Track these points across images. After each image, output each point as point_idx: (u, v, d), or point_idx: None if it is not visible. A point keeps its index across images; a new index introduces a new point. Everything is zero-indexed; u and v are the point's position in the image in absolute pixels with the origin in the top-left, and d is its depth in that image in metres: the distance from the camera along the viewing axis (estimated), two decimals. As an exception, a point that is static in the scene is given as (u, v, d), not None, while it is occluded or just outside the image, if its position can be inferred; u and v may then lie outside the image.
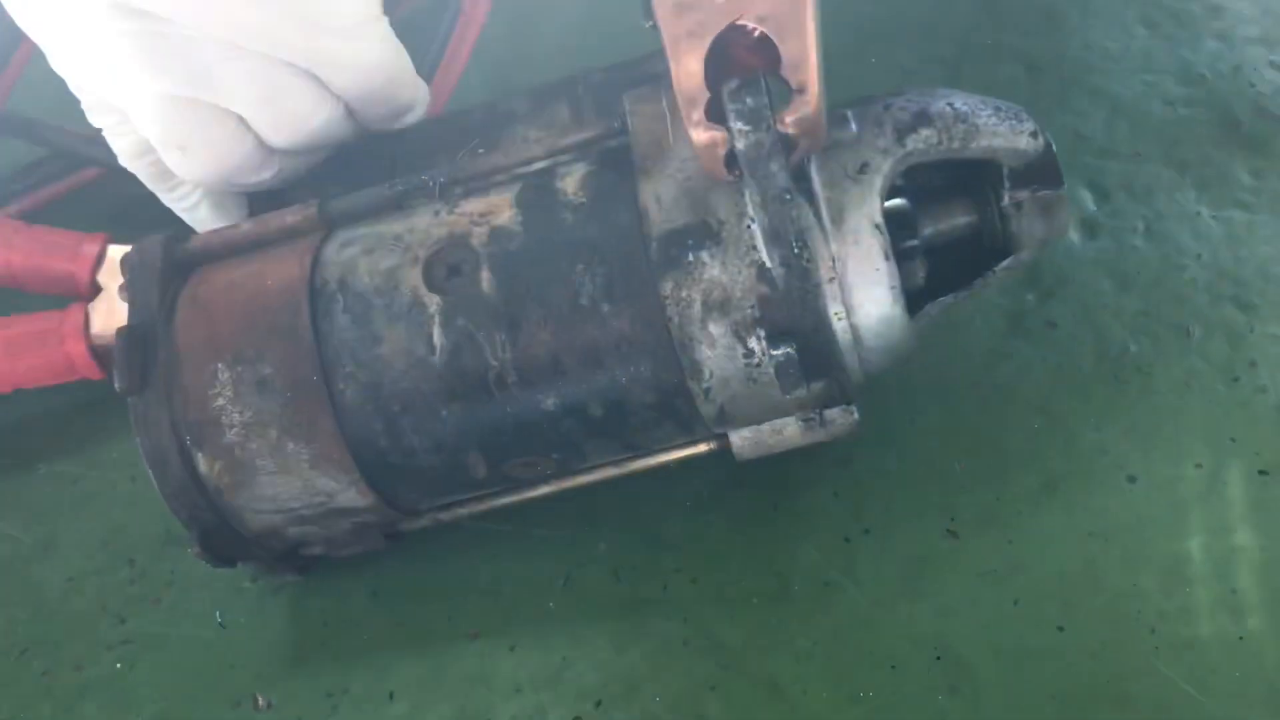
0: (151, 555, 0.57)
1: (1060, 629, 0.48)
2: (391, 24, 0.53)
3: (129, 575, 0.57)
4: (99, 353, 0.59)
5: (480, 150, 0.52)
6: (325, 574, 0.55)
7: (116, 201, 0.66)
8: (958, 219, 0.49)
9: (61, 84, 0.74)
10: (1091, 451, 0.52)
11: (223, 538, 0.50)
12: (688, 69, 0.43)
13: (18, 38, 0.65)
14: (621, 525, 0.54)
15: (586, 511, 0.54)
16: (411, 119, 0.54)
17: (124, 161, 0.55)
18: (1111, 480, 0.52)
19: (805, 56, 0.42)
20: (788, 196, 0.43)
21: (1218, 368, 0.54)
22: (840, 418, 0.48)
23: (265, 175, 0.53)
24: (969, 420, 0.54)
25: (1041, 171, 0.47)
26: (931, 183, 0.50)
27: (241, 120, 0.51)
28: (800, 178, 0.45)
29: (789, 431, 0.49)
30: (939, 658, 0.48)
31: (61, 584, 0.57)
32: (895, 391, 0.55)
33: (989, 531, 0.51)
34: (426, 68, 0.65)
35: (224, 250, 0.52)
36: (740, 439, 0.49)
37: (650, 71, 0.51)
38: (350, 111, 0.53)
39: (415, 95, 0.54)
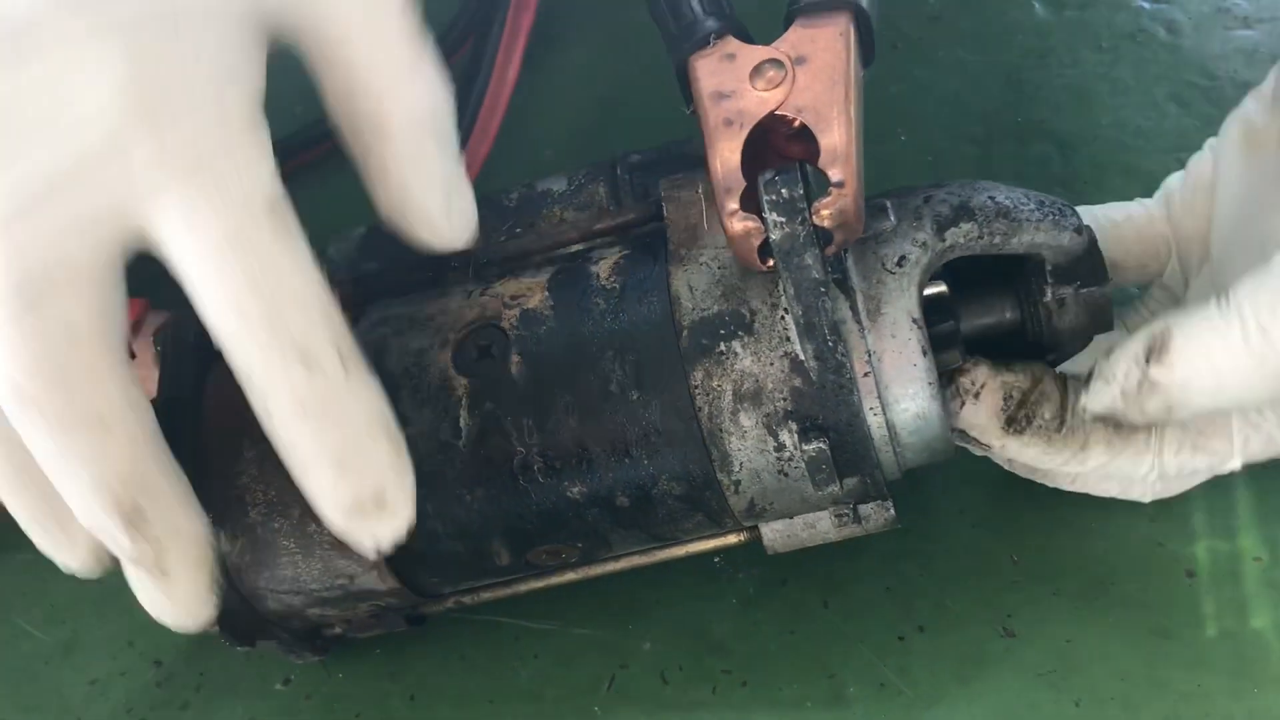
0: (179, 656, 0.56)
1: (1124, 732, 0.47)
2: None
3: (155, 677, 0.55)
4: None
5: (517, 230, 0.51)
6: (361, 676, 0.54)
7: (144, 278, 0.64)
8: (999, 315, 0.48)
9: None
10: (1146, 544, 0.51)
11: (242, 618, 0.49)
12: (724, 157, 0.43)
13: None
14: (667, 624, 0.53)
15: (629, 609, 0.53)
16: None
17: None
18: (1169, 574, 0.51)
19: (844, 150, 0.42)
20: (822, 289, 0.42)
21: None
22: (876, 513, 0.47)
23: None
24: (1019, 512, 0.53)
25: (1086, 268, 0.46)
26: (972, 274, 0.50)
27: None
28: (836, 269, 0.44)
29: (822, 525, 0.48)
30: (1001, 764, 0.47)
31: (84, 687, 0.55)
32: (942, 483, 0.54)
33: (1046, 629, 0.50)
34: (460, 135, 0.64)
35: None
36: (772, 531, 0.48)
37: (689, 154, 0.50)
38: None
39: None
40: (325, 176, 0.72)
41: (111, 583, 0.58)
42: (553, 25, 0.73)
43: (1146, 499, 0.51)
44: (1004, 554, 0.52)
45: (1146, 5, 0.70)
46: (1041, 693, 0.48)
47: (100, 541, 0.42)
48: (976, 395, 0.46)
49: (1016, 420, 0.46)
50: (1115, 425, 0.47)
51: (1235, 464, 0.47)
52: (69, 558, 0.43)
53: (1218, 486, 0.52)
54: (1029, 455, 0.47)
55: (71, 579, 0.58)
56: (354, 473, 0.40)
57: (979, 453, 0.49)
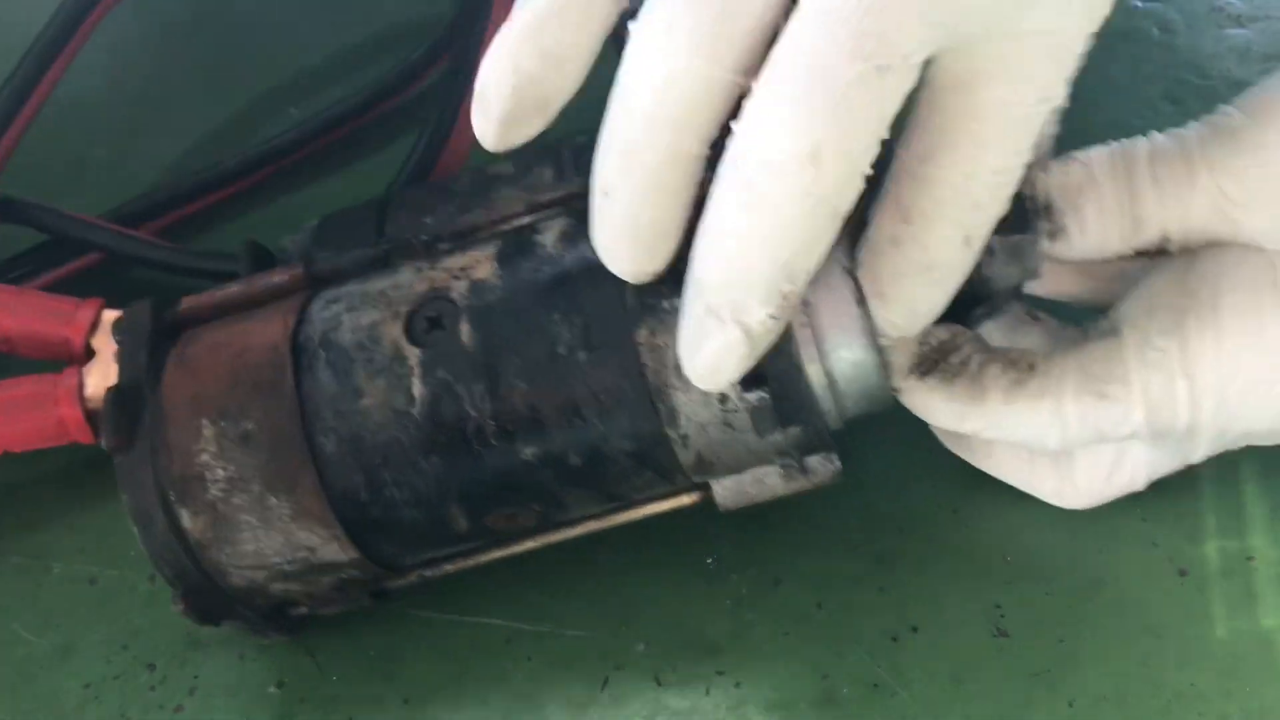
0: (173, 660, 0.55)
1: (1118, 732, 0.47)
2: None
3: (149, 681, 0.55)
4: (93, 417, 0.58)
5: (467, 209, 0.53)
6: (355, 679, 0.53)
7: (117, 286, 0.64)
8: None
9: (56, 166, 0.73)
10: (1140, 543, 0.51)
11: (207, 595, 0.50)
12: None
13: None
14: (660, 625, 0.53)
15: (622, 610, 0.53)
16: None
17: None
18: (1162, 573, 0.51)
19: None
20: None
21: (1266, 455, 0.53)
22: (821, 465, 0.48)
23: None
24: (1012, 512, 0.53)
25: (1012, 217, 0.46)
26: None
27: None
28: None
29: (770, 480, 0.48)
30: (995, 764, 0.47)
31: (79, 691, 0.55)
32: (934, 481, 0.54)
33: (1039, 629, 0.50)
34: (439, 136, 0.66)
35: (212, 311, 0.52)
36: (722, 488, 0.49)
37: None
38: None
39: None
40: (319, 173, 0.73)
41: (106, 586, 0.58)
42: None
43: (1055, 501, 0.51)
44: (997, 553, 0.52)
45: (1140, 4, 0.70)
46: (1035, 692, 0.48)
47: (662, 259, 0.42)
48: None
49: (925, 362, 0.47)
50: (1014, 373, 0.47)
51: (1138, 417, 0.46)
52: (632, 259, 0.42)
53: (1213, 483, 0.52)
54: (932, 403, 0.48)
55: (66, 583, 0.59)
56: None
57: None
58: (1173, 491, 0.52)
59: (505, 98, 0.42)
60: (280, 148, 0.72)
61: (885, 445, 0.54)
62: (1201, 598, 0.50)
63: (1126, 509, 0.52)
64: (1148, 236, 0.47)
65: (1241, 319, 0.45)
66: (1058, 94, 0.40)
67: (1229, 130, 0.45)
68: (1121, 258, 0.48)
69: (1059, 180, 0.47)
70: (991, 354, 0.48)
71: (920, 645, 0.50)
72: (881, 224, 0.43)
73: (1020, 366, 0.47)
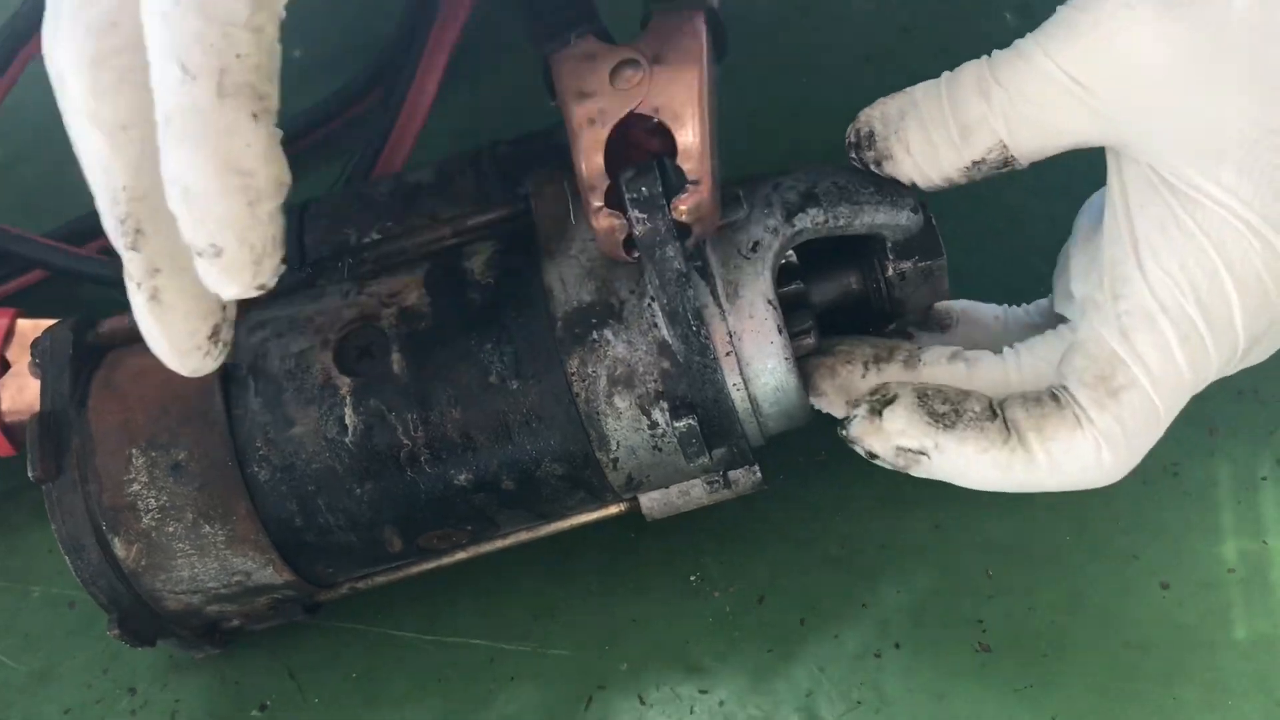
0: (154, 683, 0.55)
1: (1101, 747, 0.47)
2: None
3: (130, 705, 0.55)
4: (9, 429, 0.58)
5: (389, 224, 0.52)
6: (336, 701, 0.53)
7: (66, 305, 0.64)
8: (846, 289, 0.51)
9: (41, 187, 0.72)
10: (1122, 557, 0.52)
11: (141, 618, 0.50)
12: (588, 156, 0.45)
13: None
14: (644, 644, 0.53)
15: (606, 629, 0.53)
16: None
17: None
18: (1144, 587, 0.51)
19: (698, 148, 0.44)
20: (684, 279, 0.45)
21: (1244, 466, 0.53)
22: (744, 477, 0.50)
23: None
24: (994, 527, 0.53)
25: (923, 243, 0.49)
26: (821, 251, 0.51)
27: None
28: (696, 255, 0.47)
29: (695, 492, 0.50)
30: (978, 780, 0.47)
31: (59, 716, 0.55)
32: (918, 499, 0.54)
33: (1022, 644, 0.50)
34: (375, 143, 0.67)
35: (135, 334, 0.51)
36: (649, 500, 0.50)
37: (554, 143, 0.51)
38: None
39: None
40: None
41: (85, 610, 0.58)
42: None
43: None
44: (979, 569, 0.52)
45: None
46: (1018, 707, 0.49)
47: None
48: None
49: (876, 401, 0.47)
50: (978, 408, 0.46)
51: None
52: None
53: (1193, 497, 0.52)
54: (903, 431, 0.46)
55: (46, 607, 0.59)
56: (196, 210, 0.37)
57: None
58: (1154, 505, 0.52)
59: None
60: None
61: (867, 462, 0.54)
62: (1183, 611, 0.50)
63: (1108, 523, 0.52)
64: (980, 142, 0.46)
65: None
66: None
67: (1061, 23, 0.45)
68: (960, 176, 0.47)
69: (879, 111, 0.48)
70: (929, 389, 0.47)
71: (903, 661, 0.50)
72: None
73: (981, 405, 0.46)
